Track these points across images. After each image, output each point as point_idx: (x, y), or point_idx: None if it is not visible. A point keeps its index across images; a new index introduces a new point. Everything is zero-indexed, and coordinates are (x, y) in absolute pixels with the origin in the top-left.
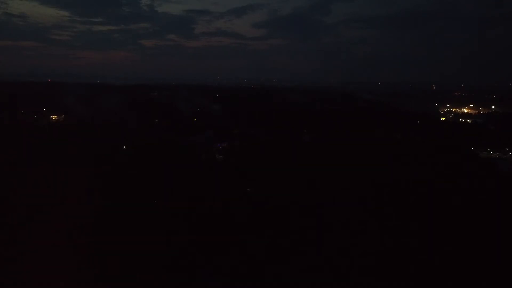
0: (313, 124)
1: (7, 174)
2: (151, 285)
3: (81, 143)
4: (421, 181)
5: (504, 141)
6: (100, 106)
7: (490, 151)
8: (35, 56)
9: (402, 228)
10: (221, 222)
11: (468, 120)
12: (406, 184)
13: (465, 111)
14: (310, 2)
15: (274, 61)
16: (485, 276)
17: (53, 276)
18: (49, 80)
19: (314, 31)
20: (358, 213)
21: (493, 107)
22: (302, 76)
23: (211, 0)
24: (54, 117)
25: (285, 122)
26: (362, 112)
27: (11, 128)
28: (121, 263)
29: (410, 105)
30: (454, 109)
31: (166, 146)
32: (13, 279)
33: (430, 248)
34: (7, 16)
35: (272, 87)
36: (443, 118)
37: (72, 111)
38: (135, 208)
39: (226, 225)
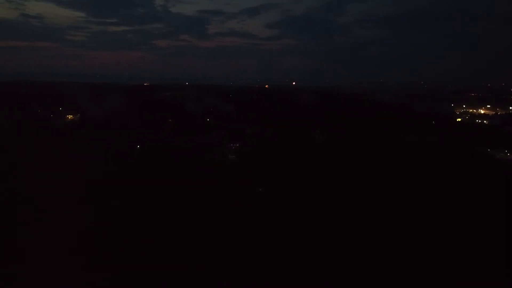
0: (325, 124)
1: (29, 171)
2: (161, 281)
3: (95, 142)
4: (439, 183)
5: None
6: (114, 106)
7: (507, 152)
8: (51, 57)
9: (414, 230)
10: (232, 221)
11: (484, 121)
12: (421, 187)
13: (482, 112)
14: (323, 2)
15: (287, 61)
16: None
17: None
18: (64, 80)
19: (326, 31)
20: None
21: (510, 108)
22: (314, 76)
23: (224, 0)
24: (70, 116)
25: (297, 123)
26: (375, 113)
27: (29, 127)
28: (131, 258)
29: (425, 106)
30: (470, 110)
31: (179, 146)
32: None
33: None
34: (24, 17)
35: (285, 87)
36: (459, 119)
37: (87, 110)
38: (147, 207)
39: (236, 224)
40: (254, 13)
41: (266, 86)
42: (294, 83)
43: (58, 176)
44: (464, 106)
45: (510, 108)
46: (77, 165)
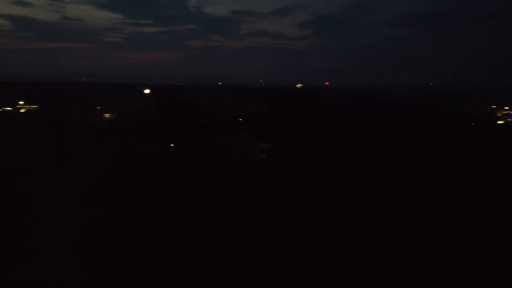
0: (357, 126)
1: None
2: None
3: (131, 140)
4: (480, 189)
5: None
6: (147, 105)
7: None
8: (88, 57)
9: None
10: (260, 220)
11: None
12: (461, 194)
13: None
14: (355, 1)
15: (318, 61)
16: None
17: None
18: (100, 80)
19: (358, 31)
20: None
21: None
22: (346, 77)
23: (256, 0)
24: (107, 115)
25: (329, 124)
26: (411, 115)
27: (70, 126)
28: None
29: (464, 107)
30: None
31: (209, 145)
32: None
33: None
34: (64, 19)
35: (315, 88)
36: (501, 122)
37: (122, 109)
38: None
39: (265, 223)
40: (285, 13)
41: (298, 85)
42: (327, 83)
43: (100, 168)
44: (506, 108)
45: None
46: (113, 161)
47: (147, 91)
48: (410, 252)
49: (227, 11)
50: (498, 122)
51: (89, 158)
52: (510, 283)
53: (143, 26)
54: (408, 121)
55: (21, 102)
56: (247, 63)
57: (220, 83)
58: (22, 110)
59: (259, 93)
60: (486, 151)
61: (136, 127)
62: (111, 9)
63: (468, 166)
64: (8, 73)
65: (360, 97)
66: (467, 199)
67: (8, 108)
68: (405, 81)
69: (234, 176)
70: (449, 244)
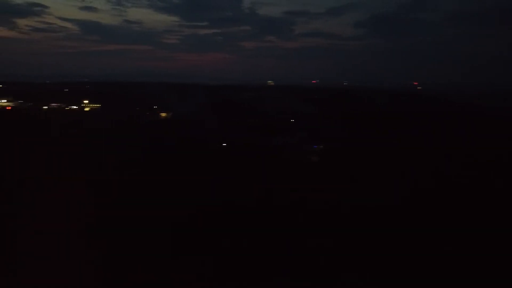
0: (409, 127)
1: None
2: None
3: (186, 139)
4: None
5: None
6: (201, 105)
7: None
8: (147, 59)
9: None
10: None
11: None
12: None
13: None
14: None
15: (373, 61)
16: None
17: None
18: (158, 81)
19: (417, 29)
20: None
21: None
22: (403, 78)
23: (310, 0)
24: (163, 114)
25: (380, 126)
26: (471, 118)
27: (131, 123)
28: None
29: None
30: None
31: (259, 146)
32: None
33: None
34: (126, 23)
35: (370, 89)
36: None
37: (178, 109)
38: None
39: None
40: (339, 12)
41: (349, 87)
42: (380, 84)
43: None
44: None
45: None
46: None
47: (201, 91)
48: None
49: (280, 12)
50: None
51: (145, 157)
52: None
53: (199, 28)
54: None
55: (86, 101)
56: (300, 63)
57: (272, 83)
58: (87, 109)
59: (310, 94)
60: None
61: (189, 126)
62: (168, 12)
63: None
64: (76, 74)
65: (415, 99)
66: None
67: (74, 107)
68: (466, 81)
69: (293, 178)
70: None
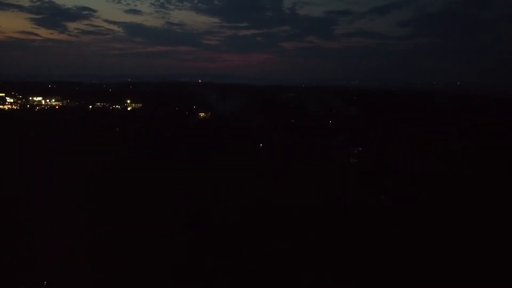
0: (459, 132)
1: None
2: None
3: (222, 139)
4: None
5: None
6: (241, 105)
7: None
8: (189, 59)
9: None
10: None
11: None
12: None
13: None
14: None
15: (420, 62)
16: None
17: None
18: (199, 81)
19: (467, 28)
20: None
21: None
22: (451, 79)
23: (353, 0)
24: (202, 114)
25: (426, 129)
26: None
27: (170, 122)
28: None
29: None
30: None
31: (299, 147)
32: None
33: None
34: (168, 25)
35: (416, 90)
36: None
37: (217, 109)
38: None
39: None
40: (384, 11)
41: (394, 89)
42: (426, 86)
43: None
44: None
45: None
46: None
47: (241, 91)
48: None
49: (321, 11)
50: None
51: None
52: None
53: (239, 29)
54: None
55: (128, 101)
56: (342, 64)
57: (311, 85)
58: (129, 108)
59: (353, 95)
60: None
61: (228, 126)
62: (210, 13)
63: None
64: (121, 75)
65: (462, 101)
66: None
67: (117, 106)
68: None
69: (320, 179)
70: None
